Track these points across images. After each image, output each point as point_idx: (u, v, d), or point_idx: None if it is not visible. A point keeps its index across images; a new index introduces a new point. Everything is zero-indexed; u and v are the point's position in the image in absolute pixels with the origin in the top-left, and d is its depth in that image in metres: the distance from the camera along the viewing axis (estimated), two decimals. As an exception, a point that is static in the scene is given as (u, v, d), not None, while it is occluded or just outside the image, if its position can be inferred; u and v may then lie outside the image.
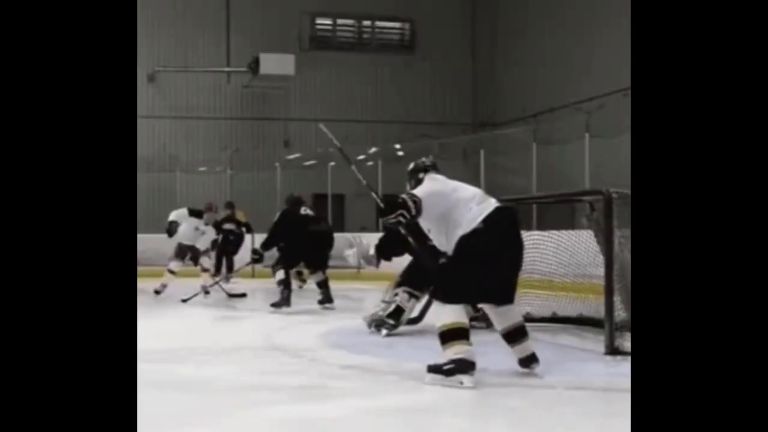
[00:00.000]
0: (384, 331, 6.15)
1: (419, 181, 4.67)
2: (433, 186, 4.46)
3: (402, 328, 6.29)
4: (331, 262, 8.96)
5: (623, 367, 4.61)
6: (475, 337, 4.32)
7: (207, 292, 9.81)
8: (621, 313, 5.47)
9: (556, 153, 13.34)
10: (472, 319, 4.88)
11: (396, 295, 6.27)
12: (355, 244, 6.36)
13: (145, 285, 7.65)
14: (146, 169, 14.61)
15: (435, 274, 4.51)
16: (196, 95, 18.31)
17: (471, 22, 19.79)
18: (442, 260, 4.49)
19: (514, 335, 4.42)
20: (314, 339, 6.20)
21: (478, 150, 14.43)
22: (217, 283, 10.03)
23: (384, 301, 6.33)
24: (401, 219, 4.20)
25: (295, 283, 9.51)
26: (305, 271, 10.00)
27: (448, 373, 4.08)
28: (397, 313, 6.21)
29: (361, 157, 16.58)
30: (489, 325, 4.99)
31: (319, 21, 19.16)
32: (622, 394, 3.87)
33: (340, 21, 19.45)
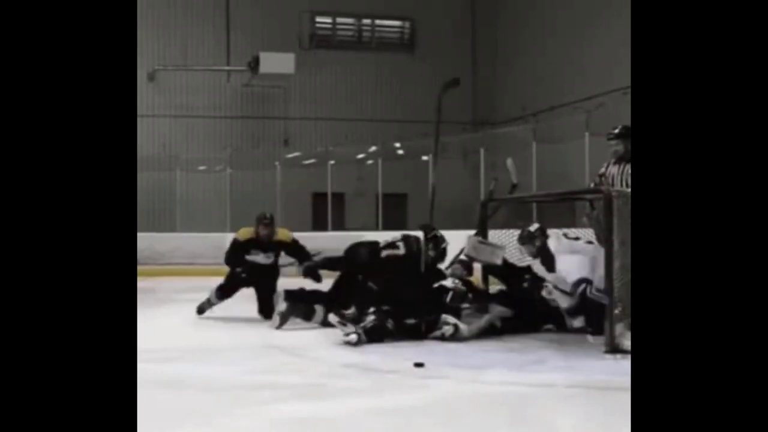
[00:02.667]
0: None
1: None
2: None
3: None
4: None
5: (623, 366, 4.61)
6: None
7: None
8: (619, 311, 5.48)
9: (556, 152, 13.33)
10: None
11: None
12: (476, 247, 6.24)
13: (144, 284, 7.66)
14: (146, 168, 14.61)
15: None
16: (195, 94, 18.31)
17: (471, 21, 19.79)
18: None
19: None
20: (314, 338, 6.19)
21: (478, 149, 14.43)
22: None
23: None
24: None
25: None
26: None
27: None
28: None
29: (361, 155, 16.59)
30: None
31: (319, 20, 19.15)
32: (622, 393, 3.88)
33: (339, 20, 19.43)
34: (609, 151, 6.39)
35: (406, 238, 6.37)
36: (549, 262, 6.01)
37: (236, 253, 7.40)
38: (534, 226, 6.36)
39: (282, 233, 7.56)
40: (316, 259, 7.16)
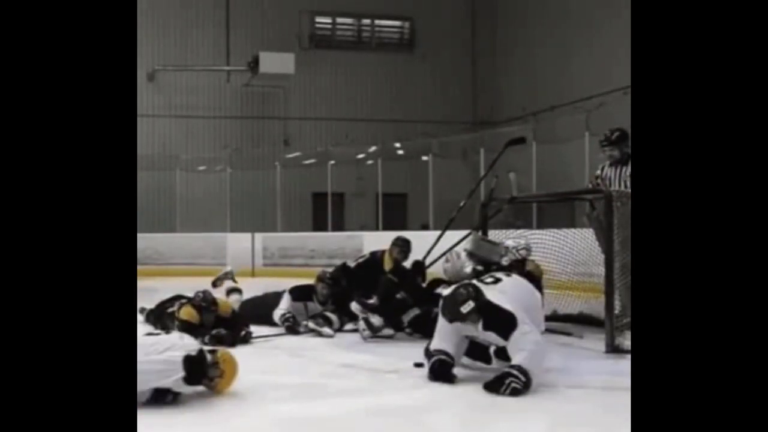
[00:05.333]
0: None
1: None
2: None
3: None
4: None
5: (623, 366, 4.62)
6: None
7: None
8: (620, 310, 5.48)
9: (556, 152, 13.32)
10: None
11: None
12: (450, 259, 6.13)
13: (144, 284, 7.61)
14: (146, 167, 14.59)
15: None
16: (195, 94, 18.28)
17: (471, 21, 19.77)
18: None
19: None
20: (314, 338, 6.20)
21: (477, 149, 14.40)
22: None
23: None
24: None
25: None
26: None
27: None
28: None
29: (361, 155, 16.57)
30: None
31: (318, 20, 19.13)
32: (623, 393, 3.88)
33: (339, 20, 19.40)
34: (604, 155, 6.40)
35: (372, 252, 7.79)
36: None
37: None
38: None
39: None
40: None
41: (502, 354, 4.43)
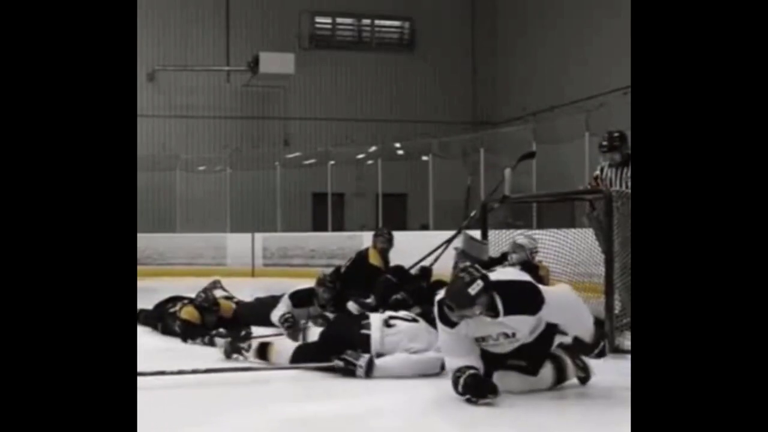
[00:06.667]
0: None
1: None
2: None
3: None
4: None
5: (623, 366, 4.61)
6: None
7: None
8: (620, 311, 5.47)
9: (556, 152, 13.33)
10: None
11: None
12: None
13: (144, 284, 7.63)
14: (146, 168, 14.60)
15: None
16: (195, 94, 18.31)
17: (471, 21, 19.79)
18: None
19: None
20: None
21: (477, 149, 14.43)
22: None
23: None
24: None
25: None
26: None
27: None
28: None
29: (361, 155, 16.59)
30: None
31: (318, 20, 19.15)
32: (623, 393, 3.87)
33: (339, 20, 19.43)
34: (604, 159, 6.40)
35: (358, 251, 8.01)
36: None
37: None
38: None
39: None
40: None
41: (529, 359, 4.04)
